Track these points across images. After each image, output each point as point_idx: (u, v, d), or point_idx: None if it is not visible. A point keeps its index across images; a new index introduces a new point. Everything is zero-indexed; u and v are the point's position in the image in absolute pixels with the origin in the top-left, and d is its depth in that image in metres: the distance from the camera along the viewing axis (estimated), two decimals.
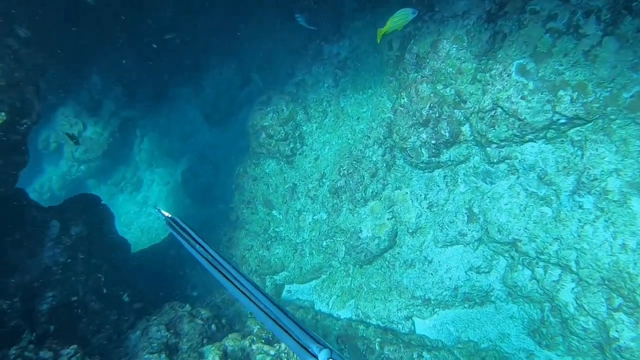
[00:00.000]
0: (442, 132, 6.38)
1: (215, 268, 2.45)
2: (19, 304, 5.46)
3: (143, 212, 14.94)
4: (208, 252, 2.56)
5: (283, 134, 8.88)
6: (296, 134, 9.04)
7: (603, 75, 4.88)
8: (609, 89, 4.87)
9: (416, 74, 6.78)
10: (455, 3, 6.47)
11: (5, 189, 5.82)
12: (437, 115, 6.39)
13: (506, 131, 5.63)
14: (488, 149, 5.99)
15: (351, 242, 7.40)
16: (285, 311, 2.13)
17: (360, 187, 7.43)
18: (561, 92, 5.05)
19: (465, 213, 6.39)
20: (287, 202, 8.99)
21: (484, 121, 5.81)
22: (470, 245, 6.39)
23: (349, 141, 8.47)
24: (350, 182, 7.54)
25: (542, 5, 5.40)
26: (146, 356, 5.21)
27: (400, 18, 5.33)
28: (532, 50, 5.31)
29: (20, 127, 5.57)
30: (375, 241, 7.12)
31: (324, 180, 8.55)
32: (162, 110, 14.28)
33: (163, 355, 5.29)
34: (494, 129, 5.73)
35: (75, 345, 4.95)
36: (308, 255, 8.32)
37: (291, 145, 8.96)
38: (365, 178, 7.45)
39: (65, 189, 14.12)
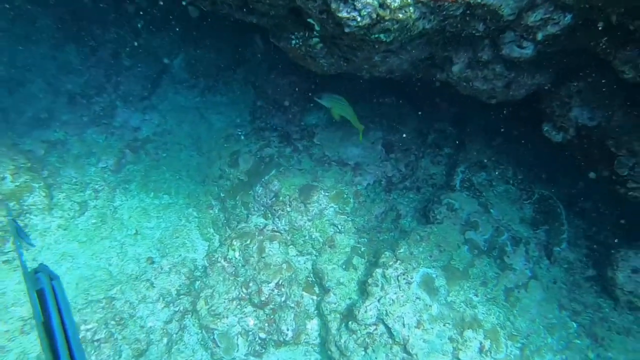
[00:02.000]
0: (283, 327, 4.11)
1: None
2: None
3: None
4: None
5: None
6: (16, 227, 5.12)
7: (520, 326, 3.74)
8: (519, 345, 3.72)
9: (265, 222, 4.53)
10: (346, 146, 4.81)
11: None
12: (283, 299, 4.14)
13: None
14: None
15: None
16: None
17: None
18: (469, 333, 3.65)
19: None
20: None
21: (355, 336, 3.87)
22: None
23: (111, 269, 5.18)
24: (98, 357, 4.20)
25: (460, 202, 4.20)
26: None
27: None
28: (447, 261, 3.90)
29: None
30: None
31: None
32: None
33: None
34: (366, 352, 3.83)
35: None
36: None
37: None
38: (125, 355, 4.28)
39: None
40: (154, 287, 4.63)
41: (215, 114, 6.76)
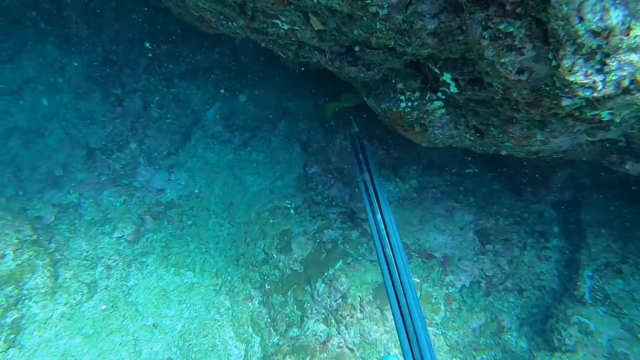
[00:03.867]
0: None
1: None
2: None
3: None
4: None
5: None
6: (9, 317, 4.08)
7: None
8: None
9: (327, 330, 3.44)
10: (428, 232, 3.78)
11: None
12: None
13: None
14: None
15: None
16: None
17: None
18: None
19: None
20: None
21: None
22: None
23: None
24: None
25: (596, 322, 3.12)
26: None
27: None
28: None
29: None
30: None
31: None
32: None
33: None
34: None
35: None
36: None
37: None
38: None
39: None
40: None
41: (251, 174, 5.83)
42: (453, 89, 2.19)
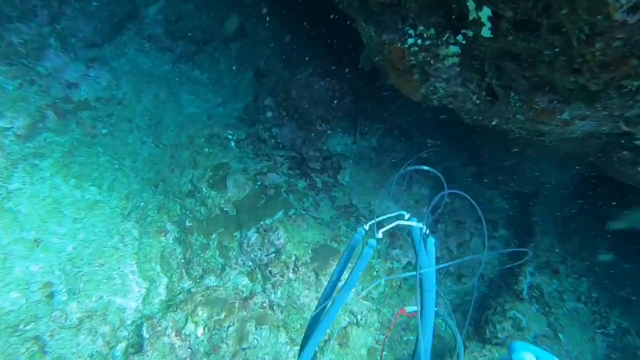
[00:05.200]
0: None
1: None
2: None
3: None
4: None
5: None
6: None
7: None
8: None
9: (251, 285, 3.00)
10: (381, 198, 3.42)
11: None
12: None
13: None
14: None
15: None
16: None
17: None
18: None
19: None
20: None
21: None
22: None
23: None
24: None
25: (528, 319, 3.03)
26: None
27: None
28: None
29: None
30: None
31: None
32: None
33: None
34: None
35: None
36: None
37: None
38: None
39: None
40: (45, 354, 2.86)
41: (189, 93, 5.04)
42: (485, 32, 1.72)
